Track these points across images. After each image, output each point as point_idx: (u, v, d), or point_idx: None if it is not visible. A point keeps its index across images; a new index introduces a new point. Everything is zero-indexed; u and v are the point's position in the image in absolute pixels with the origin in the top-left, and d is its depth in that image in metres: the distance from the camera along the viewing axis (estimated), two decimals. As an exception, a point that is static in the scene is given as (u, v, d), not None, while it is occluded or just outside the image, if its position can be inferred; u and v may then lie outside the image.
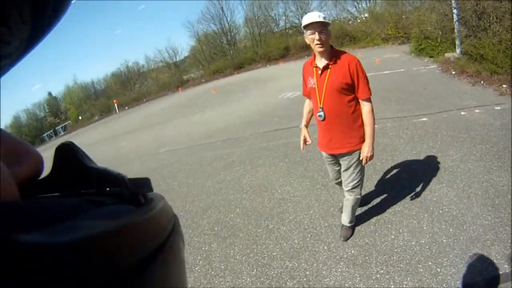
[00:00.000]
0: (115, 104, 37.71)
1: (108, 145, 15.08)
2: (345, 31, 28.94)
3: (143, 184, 0.35)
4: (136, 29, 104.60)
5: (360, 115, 2.87)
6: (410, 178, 4.21)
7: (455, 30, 11.13)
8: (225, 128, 9.84)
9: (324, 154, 3.20)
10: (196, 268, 3.66)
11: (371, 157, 2.92)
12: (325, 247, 3.37)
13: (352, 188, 3.11)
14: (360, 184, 3.13)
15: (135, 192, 0.29)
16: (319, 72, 2.81)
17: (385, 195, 3.96)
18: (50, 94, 57.57)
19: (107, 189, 0.33)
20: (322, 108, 2.85)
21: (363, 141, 2.89)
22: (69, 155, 0.33)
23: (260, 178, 5.42)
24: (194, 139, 9.72)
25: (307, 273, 3.12)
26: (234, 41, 40.11)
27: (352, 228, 3.45)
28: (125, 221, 0.22)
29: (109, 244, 0.19)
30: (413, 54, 14.21)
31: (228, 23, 39.58)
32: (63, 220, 0.20)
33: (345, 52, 2.84)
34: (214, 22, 39.50)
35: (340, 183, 3.33)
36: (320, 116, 2.89)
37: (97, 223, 0.20)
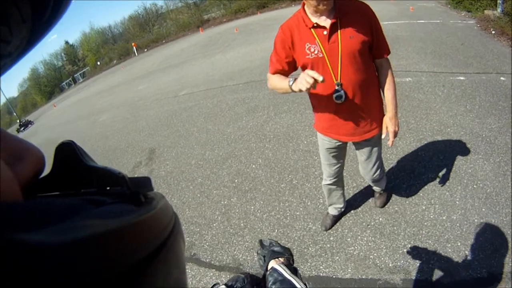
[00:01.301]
0: (134, 47, 37.56)
1: (127, 89, 15.05)
2: None
3: (144, 184, 0.33)
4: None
5: (378, 83, 2.22)
6: (445, 143, 3.75)
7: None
8: (247, 70, 9.35)
9: (326, 142, 2.41)
10: (214, 225, 3.48)
11: (397, 132, 2.30)
12: (352, 211, 3.08)
13: (380, 179, 2.68)
14: (384, 170, 2.69)
15: (136, 192, 0.29)
16: (325, 33, 1.95)
17: (418, 159, 3.56)
18: (67, 42, 57.43)
19: (108, 188, 0.32)
20: (341, 84, 2.04)
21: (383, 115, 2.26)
22: (69, 154, 0.33)
23: (284, 126, 5.05)
24: (214, 81, 9.34)
25: (331, 238, 2.88)
26: (258, -23, 37.82)
27: (388, 193, 3.06)
28: (126, 221, 0.22)
29: (110, 244, 0.19)
30: (449, 6, 12.86)
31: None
32: (63, 220, 0.20)
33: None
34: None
35: (339, 183, 2.74)
36: (339, 97, 2.05)
37: (97, 222, 0.20)
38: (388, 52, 2.09)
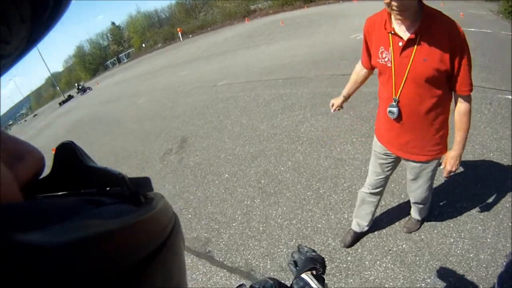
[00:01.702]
0: (179, 32, 38.15)
1: (169, 73, 15.34)
2: None
3: (144, 184, 0.33)
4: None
5: (448, 114, 2.03)
6: (485, 169, 3.36)
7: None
8: (288, 65, 9.19)
9: (378, 147, 2.31)
10: (234, 224, 3.44)
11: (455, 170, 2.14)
12: (376, 232, 2.89)
13: (421, 203, 2.51)
14: (430, 197, 2.51)
15: (136, 192, 0.29)
16: (400, 44, 1.80)
17: (454, 185, 3.22)
18: (113, 23, 59.79)
19: (108, 188, 0.31)
20: (398, 101, 1.94)
21: (446, 148, 2.12)
22: (69, 154, 0.33)
23: (319, 129, 4.89)
24: (254, 74, 9.26)
25: (349, 258, 2.73)
26: (308, -29, 37.26)
27: (421, 222, 2.85)
28: (125, 221, 0.22)
29: (110, 244, 0.19)
30: (501, 15, 12.15)
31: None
32: (63, 220, 0.19)
33: (440, 13, 1.78)
34: None
35: (375, 196, 2.58)
36: (391, 112, 1.98)
37: (97, 223, 0.20)
38: (469, 90, 1.87)
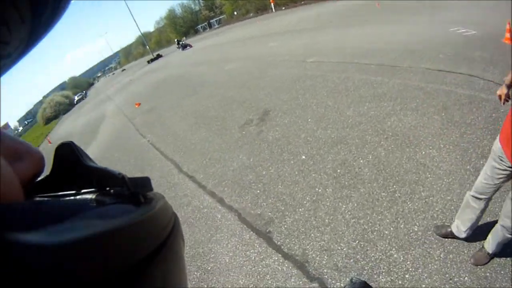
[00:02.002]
0: (271, 3, 37.81)
1: (259, 43, 15.39)
2: None
3: (143, 184, 0.33)
4: None
5: None
6: None
7: None
8: (382, 51, 8.61)
9: (497, 149, 2.05)
10: (300, 210, 3.37)
11: None
12: (441, 255, 2.60)
13: (509, 233, 2.17)
14: None
15: (135, 192, 0.29)
16: None
17: None
18: None
19: (107, 188, 0.32)
20: None
21: None
22: (69, 154, 0.33)
23: (406, 126, 4.52)
24: (346, 55, 8.83)
25: (407, 276, 2.53)
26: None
27: (492, 256, 2.48)
28: (125, 221, 0.22)
29: (109, 244, 0.20)
30: None
31: None
32: (63, 220, 0.20)
33: None
34: None
35: (484, 202, 2.30)
36: None
37: (97, 222, 0.20)
38: None
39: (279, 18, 26.60)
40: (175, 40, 38.85)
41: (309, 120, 5.20)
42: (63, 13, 0.32)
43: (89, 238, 0.18)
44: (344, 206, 3.27)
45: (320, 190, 3.55)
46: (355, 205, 3.26)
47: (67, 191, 0.33)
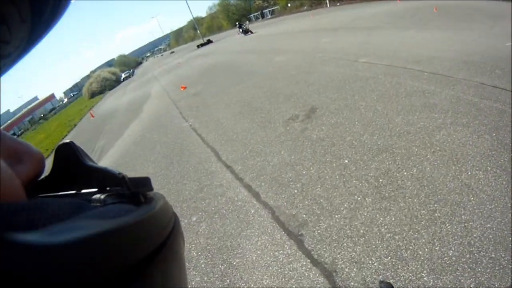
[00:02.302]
0: (328, -3, 37.37)
1: (310, 37, 15.26)
2: None
3: (143, 184, 0.33)
4: None
5: None
6: None
7: None
8: (437, 59, 8.21)
9: None
10: (336, 216, 3.31)
11: None
12: (472, 285, 2.46)
13: None
14: None
15: (136, 192, 0.30)
16: None
17: None
18: None
19: (108, 188, 0.32)
20: None
21: None
22: (69, 154, 0.33)
23: (456, 142, 4.29)
24: (399, 59, 8.53)
25: None
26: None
27: None
28: (125, 221, 0.22)
29: (109, 244, 0.20)
30: None
31: None
32: (63, 220, 0.21)
33: None
34: None
35: None
36: None
37: (97, 222, 0.20)
38: None
39: (333, 14, 26.22)
40: (236, 23, 38.81)
41: (356, 123, 5.08)
42: (63, 12, 0.32)
43: (89, 238, 0.18)
44: (381, 218, 3.18)
45: (359, 198, 3.47)
46: (393, 219, 3.16)
47: (67, 191, 0.34)
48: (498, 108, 5.15)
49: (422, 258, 2.74)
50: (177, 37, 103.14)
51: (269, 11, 53.01)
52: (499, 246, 2.72)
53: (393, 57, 8.85)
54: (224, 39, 35.73)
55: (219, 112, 7.90)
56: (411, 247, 2.85)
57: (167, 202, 0.33)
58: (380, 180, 3.69)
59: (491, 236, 2.81)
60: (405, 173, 3.76)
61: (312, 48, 11.92)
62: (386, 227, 3.08)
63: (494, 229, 2.88)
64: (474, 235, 2.85)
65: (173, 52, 57.69)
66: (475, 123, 4.69)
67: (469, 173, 3.66)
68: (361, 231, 3.07)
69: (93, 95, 50.05)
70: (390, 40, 11.48)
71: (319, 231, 3.17)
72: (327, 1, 37.28)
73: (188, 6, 51.40)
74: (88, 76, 78.68)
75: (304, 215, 3.38)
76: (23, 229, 0.16)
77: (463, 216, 3.08)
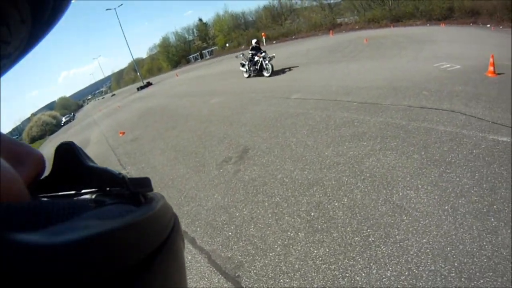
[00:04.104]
0: (263, 37, 38.77)
1: (245, 77, 15.38)
2: None
3: (143, 184, 0.33)
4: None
5: None
6: None
7: None
8: (366, 88, 8.84)
9: None
10: (271, 254, 3.32)
11: None
12: None
13: None
14: None
15: (136, 192, 0.30)
16: None
17: None
18: (200, 20, 62.37)
19: (108, 189, 0.32)
20: None
21: None
22: (69, 155, 0.33)
23: (385, 166, 4.56)
24: (330, 93, 9.05)
25: None
26: (396, -10, 36.40)
27: None
28: (125, 221, 0.22)
29: (109, 244, 0.20)
30: None
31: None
32: (63, 220, 0.21)
33: None
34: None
35: None
36: None
37: (97, 223, 0.20)
38: None
39: (269, 52, 27.16)
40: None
41: (287, 160, 5.22)
42: (63, 13, 0.32)
43: (89, 239, 0.18)
44: (315, 251, 3.24)
45: (292, 234, 3.52)
46: (327, 250, 3.23)
47: (67, 191, 0.33)
48: (426, 127, 5.53)
49: (359, 283, 2.81)
50: (118, 79, 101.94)
51: (208, 51, 54.16)
52: (437, 258, 2.88)
53: (324, 90, 9.34)
54: (164, 81, 35.71)
55: (156, 158, 7.79)
56: (347, 275, 2.91)
57: (167, 203, 0.32)
58: (312, 214, 3.78)
59: (428, 250, 2.97)
60: (336, 204, 3.89)
61: (246, 88, 12.30)
62: (320, 258, 3.13)
63: (431, 242, 3.05)
64: (411, 252, 2.98)
65: (114, 95, 56.98)
66: (404, 145, 5.01)
67: (400, 194, 3.87)
68: (296, 266, 3.10)
69: (33, 140, 47.89)
70: (322, 74, 12.06)
71: (255, 271, 3.16)
72: (264, 40, 38.61)
73: (129, 47, 51.11)
74: (28, 119, 75.58)
75: (240, 256, 3.37)
76: (23, 229, 0.16)
77: (397, 236, 3.23)
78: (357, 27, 34.64)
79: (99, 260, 0.18)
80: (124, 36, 47.02)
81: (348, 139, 5.64)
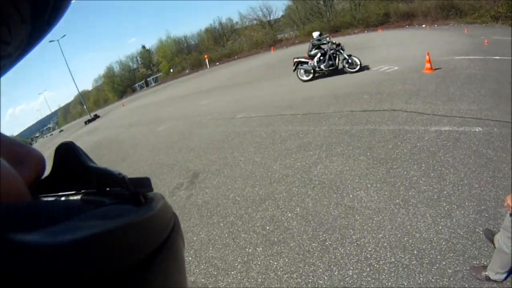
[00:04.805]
0: (206, 59, 39.02)
1: (191, 101, 15.66)
2: (451, 3, 25.92)
3: (144, 184, 0.33)
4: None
5: None
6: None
7: None
8: (308, 100, 9.19)
9: None
10: (233, 273, 3.33)
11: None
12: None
13: (503, 230, 2.29)
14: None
15: (136, 192, 0.30)
16: None
17: (473, 238, 2.95)
18: (143, 47, 62.21)
19: (108, 189, 0.32)
20: None
21: None
22: (69, 155, 0.33)
23: (333, 172, 4.75)
24: (273, 108, 9.29)
25: None
26: (331, 2, 38.28)
27: (487, 278, 2.52)
28: (125, 221, 0.22)
29: (109, 244, 0.20)
30: None
31: (326, -18, 37.70)
32: (63, 220, 0.20)
33: None
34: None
35: None
36: None
37: (97, 223, 0.20)
38: None
39: (212, 75, 27.40)
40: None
41: (238, 179, 5.28)
42: (63, 13, 0.32)
43: (89, 239, 0.18)
44: (276, 263, 3.28)
45: (251, 250, 3.55)
46: (287, 260, 3.28)
47: (67, 191, 0.33)
48: (369, 129, 5.81)
49: (323, 286, 2.88)
50: (65, 114, 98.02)
51: (153, 78, 53.63)
52: (396, 250, 3.02)
53: (268, 107, 9.55)
54: (111, 112, 34.77)
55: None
56: (310, 280, 2.98)
57: (167, 203, 0.32)
58: (267, 228, 3.84)
59: (385, 244, 3.11)
60: (289, 215, 3.98)
61: (192, 112, 12.30)
62: (281, 269, 3.18)
63: (387, 236, 3.20)
64: (369, 249, 3.11)
65: (62, 130, 54.62)
66: (349, 149, 5.24)
67: (351, 195, 4.05)
68: (259, 279, 3.13)
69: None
70: (265, 91, 12.28)
71: (219, 292, 3.17)
72: (207, 62, 38.83)
73: (74, 80, 49.21)
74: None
75: (203, 279, 3.35)
76: (23, 229, 0.16)
77: (353, 236, 3.36)
78: (297, 41, 35.74)
79: (99, 260, 0.18)
80: (69, 68, 45.33)
81: (295, 151, 5.81)
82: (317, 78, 11.97)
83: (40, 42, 0.34)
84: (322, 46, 11.83)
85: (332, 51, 11.45)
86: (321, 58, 11.65)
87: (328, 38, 11.95)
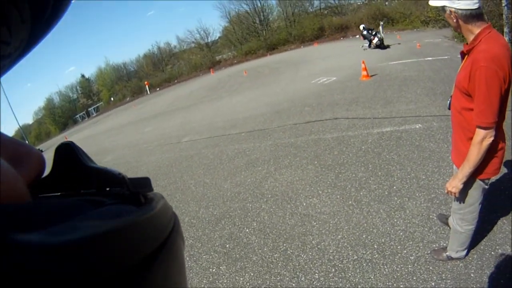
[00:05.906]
0: (146, 86, 38.40)
1: (134, 129, 15.28)
2: (382, 12, 27.51)
3: (143, 184, 0.33)
4: (167, 10, 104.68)
5: (469, 131, 2.10)
6: None
7: (504, 16, 9.68)
8: (251, 117, 9.36)
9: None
10: None
11: (454, 193, 2.24)
12: (347, 286, 2.81)
13: (453, 213, 2.50)
14: (463, 212, 2.42)
15: (135, 192, 0.30)
16: (460, 56, 2.20)
17: (429, 224, 3.22)
18: (83, 76, 59.68)
19: (107, 189, 0.32)
20: (451, 96, 2.28)
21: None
22: (69, 155, 0.33)
23: (284, 183, 4.87)
24: (217, 129, 9.33)
25: None
26: (267, 21, 39.22)
27: (449, 258, 2.71)
28: (125, 221, 0.22)
29: (109, 244, 0.20)
30: (456, 40, 13.07)
31: (260, 3, 38.72)
32: (63, 220, 0.20)
33: (487, 44, 1.90)
34: (246, 1, 38.59)
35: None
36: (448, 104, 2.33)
37: (97, 223, 0.20)
38: (480, 123, 1.95)
39: (154, 100, 26.93)
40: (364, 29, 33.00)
41: (191, 202, 5.22)
42: (64, 13, 0.32)
43: (89, 239, 0.18)
44: (241, 278, 3.29)
45: (214, 270, 3.53)
46: (252, 274, 3.30)
47: (67, 191, 0.33)
48: (314, 139, 6.03)
49: (299, 286, 2.93)
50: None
51: (94, 108, 51.60)
52: (357, 247, 3.14)
53: (212, 128, 9.58)
54: (53, 146, 32.99)
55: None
56: None
57: (167, 203, 0.32)
58: (227, 246, 3.84)
59: (345, 243, 3.21)
60: (247, 230, 4.01)
61: (137, 140, 12.05)
62: (248, 283, 3.19)
63: (345, 236, 3.31)
64: (330, 251, 3.20)
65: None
66: (297, 160, 5.39)
67: (304, 204, 4.15)
68: (227, 298, 3.11)
69: None
70: (207, 113, 12.31)
71: (187, 317, 3.14)
72: (147, 89, 38.17)
73: (14, 114, 46.16)
74: None
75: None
76: (23, 229, 0.16)
77: (313, 242, 3.44)
78: (235, 61, 36.03)
79: (99, 260, 0.18)
80: (8, 102, 42.70)
81: (244, 168, 5.87)
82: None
83: (40, 42, 0.34)
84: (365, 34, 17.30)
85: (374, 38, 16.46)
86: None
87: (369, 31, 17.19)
